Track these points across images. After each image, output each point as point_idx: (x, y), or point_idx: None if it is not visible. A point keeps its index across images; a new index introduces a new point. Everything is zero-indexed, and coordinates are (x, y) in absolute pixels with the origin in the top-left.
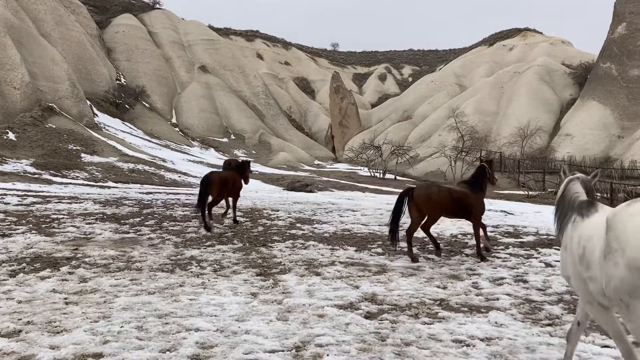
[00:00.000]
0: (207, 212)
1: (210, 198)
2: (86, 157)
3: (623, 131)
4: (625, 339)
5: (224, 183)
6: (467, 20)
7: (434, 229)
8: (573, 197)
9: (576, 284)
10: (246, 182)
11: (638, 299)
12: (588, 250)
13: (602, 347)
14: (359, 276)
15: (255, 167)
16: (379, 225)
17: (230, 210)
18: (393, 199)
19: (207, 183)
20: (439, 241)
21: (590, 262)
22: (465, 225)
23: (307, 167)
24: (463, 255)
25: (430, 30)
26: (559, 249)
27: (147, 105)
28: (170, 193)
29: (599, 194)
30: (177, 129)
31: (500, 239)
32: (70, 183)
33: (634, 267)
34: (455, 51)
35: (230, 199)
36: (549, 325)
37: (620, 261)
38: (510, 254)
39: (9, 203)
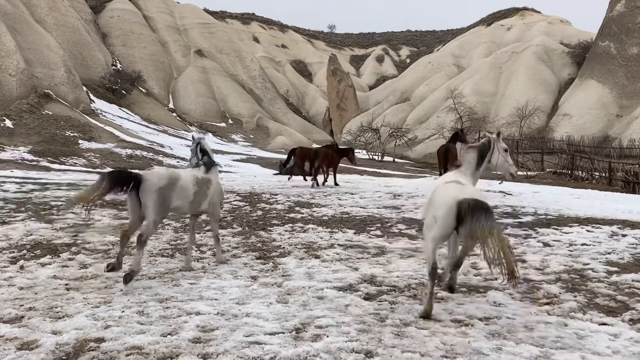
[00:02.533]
0: (315, 175)
1: (316, 165)
2: (84, 144)
3: (622, 110)
4: None
5: (326, 156)
6: (465, 0)
7: None
8: None
9: None
10: (352, 162)
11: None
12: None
13: (599, 324)
14: (358, 258)
15: (253, 151)
16: (377, 207)
17: (329, 178)
18: (391, 181)
19: (316, 155)
20: None
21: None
22: None
23: None
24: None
25: (428, 10)
26: (557, 229)
27: (143, 90)
28: None
29: (597, 174)
30: (174, 114)
31: (498, 219)
32: (69, 170)
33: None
34: (453, 31)
35: (331, 169)
36: (547, 304)
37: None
38: (509, 234)
39: (7, 190)
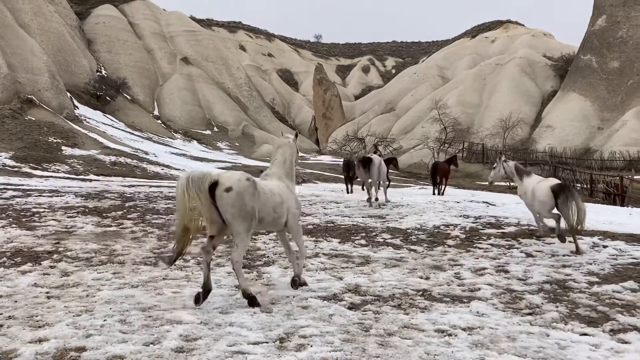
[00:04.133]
0: (351, 183)
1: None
2: (67, 150)
3: (603, 123)
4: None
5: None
6: (450, 12)
7: (417, 220)
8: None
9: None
10: (395, 166)
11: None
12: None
13: (580, 335)
14: (342, 267)
15: (238, 159)
16: (362, 217)
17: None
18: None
19: (350, 165)
20: (421, 232)
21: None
22: (448, 217)
23: None
24: (446, 246)
25: (414, 22)
26: (540, 240)
27: (128, 97)
28: (153, 186)
29: (579, 185)
30: (159, 121)
31: (482, 229)
32: (51, 176)
33: None
34: (438, 43)
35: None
36: (529, 314)
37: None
38: (492, 245)
39: None
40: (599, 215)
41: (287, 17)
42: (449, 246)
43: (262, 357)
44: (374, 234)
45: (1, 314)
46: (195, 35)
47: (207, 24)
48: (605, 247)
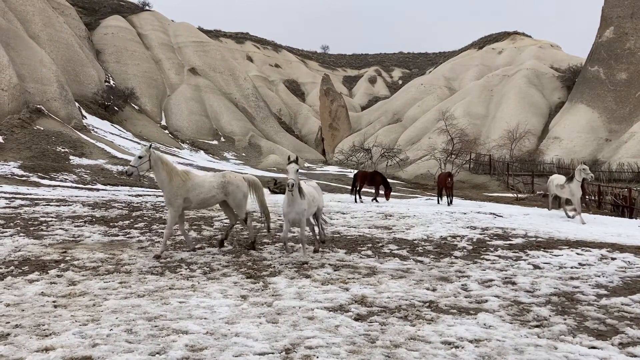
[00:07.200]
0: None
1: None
2: (75, 160)
3: (611, 134)
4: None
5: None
6: (457, 24)
7: (423, 231)
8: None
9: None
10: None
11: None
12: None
13: (589, 347)
14: (348, 278)
15: (244, 169)
16: (369, 227)
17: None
18: (383, 201)
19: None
20: (428, 243)
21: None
22: (455, 228)
23: None
24: (452, 257)
25: (420, 33)
26: (547, 252)
27: (136, 107)
28: (160, 195)
29: (587, 197)
30: (166, 131)
31: (489, 241)
32: (59, 185)
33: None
34: (445, 54)
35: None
36: (537, 326)
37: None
38: (499, 256)
39: None
40: (607, 228)
41: (294, 28)
42: (456, 257)
43: None
44: (380, 244)
45: (8, 322)
46: (203, 46)
47: (215, 35)
48: (613, 259)
